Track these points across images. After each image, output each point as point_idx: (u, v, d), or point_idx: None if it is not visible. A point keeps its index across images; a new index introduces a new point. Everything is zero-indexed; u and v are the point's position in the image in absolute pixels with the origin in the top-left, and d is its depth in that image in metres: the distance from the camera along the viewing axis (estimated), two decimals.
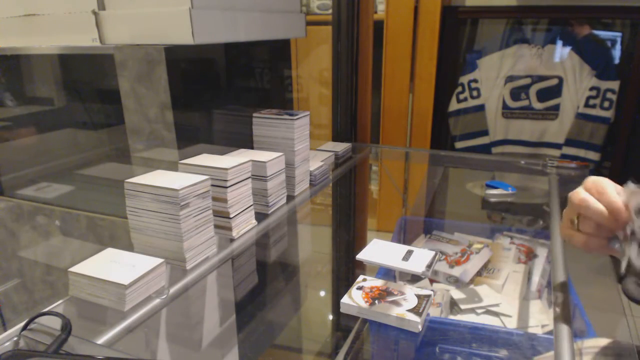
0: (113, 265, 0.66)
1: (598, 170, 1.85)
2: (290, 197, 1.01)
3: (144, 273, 0.64)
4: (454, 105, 2.00)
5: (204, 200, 0.74)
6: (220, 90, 1.00)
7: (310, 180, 1.09)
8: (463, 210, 1.47)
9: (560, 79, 1.83)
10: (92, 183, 1.15)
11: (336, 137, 1.54)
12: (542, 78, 1.86)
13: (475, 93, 1.95)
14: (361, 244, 0.82)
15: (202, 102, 0.94)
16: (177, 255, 0.72)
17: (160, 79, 0.84)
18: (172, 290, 0.69)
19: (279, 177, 0.95)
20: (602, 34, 1.80)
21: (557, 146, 1.89)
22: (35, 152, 1.23)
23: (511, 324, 0.93)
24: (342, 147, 1.35)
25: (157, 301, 0.66)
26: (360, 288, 0.70)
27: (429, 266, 0.72)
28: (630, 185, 0.53)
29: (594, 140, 1.80)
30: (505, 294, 1.01)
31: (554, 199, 1.05)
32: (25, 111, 1.20)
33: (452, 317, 0.97)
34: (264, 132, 1.01)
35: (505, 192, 1.26)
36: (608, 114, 1.77)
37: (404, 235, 1.31)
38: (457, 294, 1.01)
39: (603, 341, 0.68)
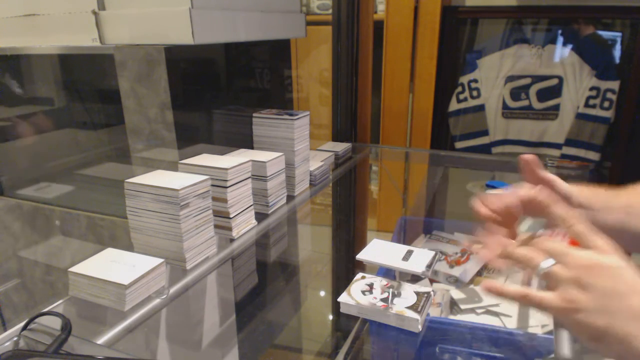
0: (113, 265, 0.66)
1: (598, 170, 1.85)
2: (290, 197, 1.01)
3: (144, 273, 0.64)
4: (454, 105, 2.00)
5: (204, 200, 0.74)
6: (220, 90, 1.00)
7: (310, 180, 1.09)
8: (463, 210, 1.47)
9: (560, 79, 1.83)
10: (92, 183, 1.15)
11: (336, 137, 1.54)
12: (542, 78, 1.86)
13: (475, 93, 1.95)
14: (361, 244, 0.82)
15: (202, 102, 0.94)
16: (177, 255, 0.72)
17: (160, 79, 0.84)
18: (172, 290, 0.69)
19: (279, 177, 0.95)
20: (602, 34, 1.80)
21: (557, 146, 1.89)
22: (35, 152, 1.23)
23: (511, 324, 0.93)
24: (342, 147, 1.35)
25: (157, 301, 0.66)
26: (358, 286, 0.70)
27: (429, 266, 0.72)
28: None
29: (594, 140, 1.80)
30: None
31: None
32: (25, 111, 1.20)
33: (452, 317, 0.97)
34: (264, 132, 1.01)
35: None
36: (608, 114, 1.76)
37: (404, 235, 1.31)
38: (457, 294, 1.01)
39: None
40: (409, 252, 0.76)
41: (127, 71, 0.87)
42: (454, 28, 1.96)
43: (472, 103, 1.96)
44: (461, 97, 1.98)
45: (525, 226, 0.55)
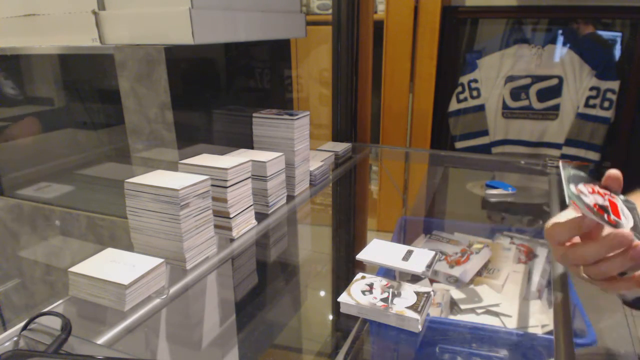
0: (113, 265, 0.66)
1: (598, 170, 1.85)
2: (290, 197, 1.01)
3: (144, 273, 0.64)
4: (454, 105, 2.00)
5: (204, 200, 0.74)
6: (220, 90, 1.00)
7: (310, 180, 1.09)
8: (463, 210, 1.47)
9: (560, 79, 1.83)
10: (92, 183, 1.15)
11: (336, 137, 1.54)
12: (542, 78, 1.86)
13: (475, 93, 1.95)
14: (361, 244, 0.82)
15: (202, 102, 0.94)
16: (177, 255, 0.72)
17: (160, 79, 0.84)
18: (172, 290, 0.69)
19: (279, 177, 0.95)
20: (602, 33, 1.80)
21: (557, 146, 1.89)
22: (35, 152, 1.23)
23: (511, 324, 0.93)
24: (342, 147, 1.35)
25: (157, 301, 0.66)
26: (358, 286, 0.70)
27: (429, 266, 0.72)
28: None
29: (594, 140, 1.80)
30: (505, 294, 1.01)
31: (554, 199, 1.05)
32: (25, 111, 1.20)
33: (452, 317, 0.97)
34: (264, 132, 1.01)
35: (505, 192, 1.26)
36: (608, 114, 1.77)
37: (404, 235, 1.31)
38: (457, 294, 1.01)
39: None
40: (409, 252, 0.76)
41: (127, 71, 0.87)
42: (454, 28, 1.96)
43: (472, 103, 1.96)
44: (461, 97, 1.98)
45: (566, 174, 0.54)
